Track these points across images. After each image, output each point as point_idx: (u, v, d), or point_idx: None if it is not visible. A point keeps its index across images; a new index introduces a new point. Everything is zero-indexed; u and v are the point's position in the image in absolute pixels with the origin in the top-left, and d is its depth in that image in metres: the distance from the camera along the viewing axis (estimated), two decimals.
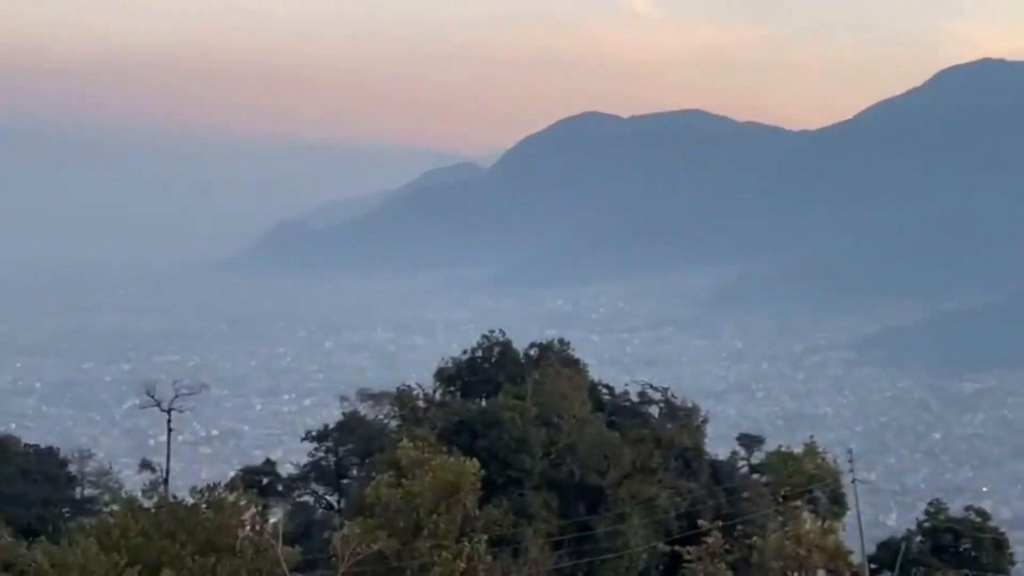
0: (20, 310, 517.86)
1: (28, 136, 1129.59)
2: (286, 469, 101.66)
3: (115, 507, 47.87)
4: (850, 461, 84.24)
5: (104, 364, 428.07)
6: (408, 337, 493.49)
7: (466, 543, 50.68)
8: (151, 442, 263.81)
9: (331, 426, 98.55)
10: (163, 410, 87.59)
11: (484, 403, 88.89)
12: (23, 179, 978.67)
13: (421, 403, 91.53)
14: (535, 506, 78.22)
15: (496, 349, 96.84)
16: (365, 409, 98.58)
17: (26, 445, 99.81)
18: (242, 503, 44.74)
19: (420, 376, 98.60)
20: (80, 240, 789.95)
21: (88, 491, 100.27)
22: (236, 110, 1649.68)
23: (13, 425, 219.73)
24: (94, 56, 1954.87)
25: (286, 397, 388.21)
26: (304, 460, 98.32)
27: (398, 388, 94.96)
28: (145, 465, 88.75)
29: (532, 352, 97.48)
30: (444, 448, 63.17)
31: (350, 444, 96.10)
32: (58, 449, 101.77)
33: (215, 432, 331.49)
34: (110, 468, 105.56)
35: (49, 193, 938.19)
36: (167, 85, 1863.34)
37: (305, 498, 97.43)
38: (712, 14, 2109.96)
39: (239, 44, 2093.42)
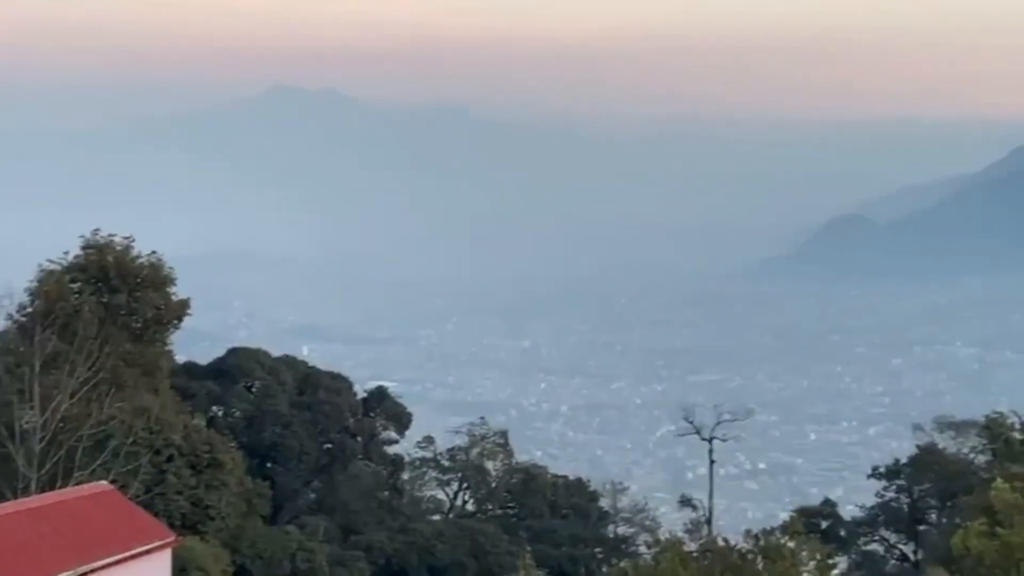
0: (545, 326, 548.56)
1: (528, 134, 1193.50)
2: (848, 511, 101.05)
3: (656, 550, 49.30)
4: None
5: (635, 385, 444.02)
6: (996, 353, 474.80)
7: None
8: (689, 475, 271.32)
9: (903, 461, 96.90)
10: (703, 438, 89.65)
11: None
12: (540, 184, 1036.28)
13: (1017, 434, 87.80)
14: None
15: None
16: (945, 440, 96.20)
17: (553, 476, 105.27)
18: (803, 552, 44.78)
19: (1013, 400, 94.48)
20: (604, 246, 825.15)
21: (622, 529, 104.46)
22: (782, 91, 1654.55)
23: (539, 452, 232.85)
24: (619, 42, 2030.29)
25: (845, 425, 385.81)
26: (871, 501, 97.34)
27: (987, 416, 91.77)
28: (685, 501, 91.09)
29: None
30: None
31: (927, 483, 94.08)
32: (588, 480, 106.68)
33: (762, 465, 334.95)
34: (645, 504, 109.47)
35: (569, 197, 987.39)
36: (703, 67, 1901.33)
37: (872, 546, 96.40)
38: None
39: (781, 19, 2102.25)
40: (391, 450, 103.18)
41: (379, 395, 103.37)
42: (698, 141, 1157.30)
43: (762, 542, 46.30)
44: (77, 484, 51.93)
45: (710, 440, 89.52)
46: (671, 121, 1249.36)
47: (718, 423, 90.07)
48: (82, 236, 75.91)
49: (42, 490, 54.31)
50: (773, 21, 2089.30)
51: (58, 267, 72.81)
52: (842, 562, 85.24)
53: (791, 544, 46.22)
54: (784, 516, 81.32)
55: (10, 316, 69.82)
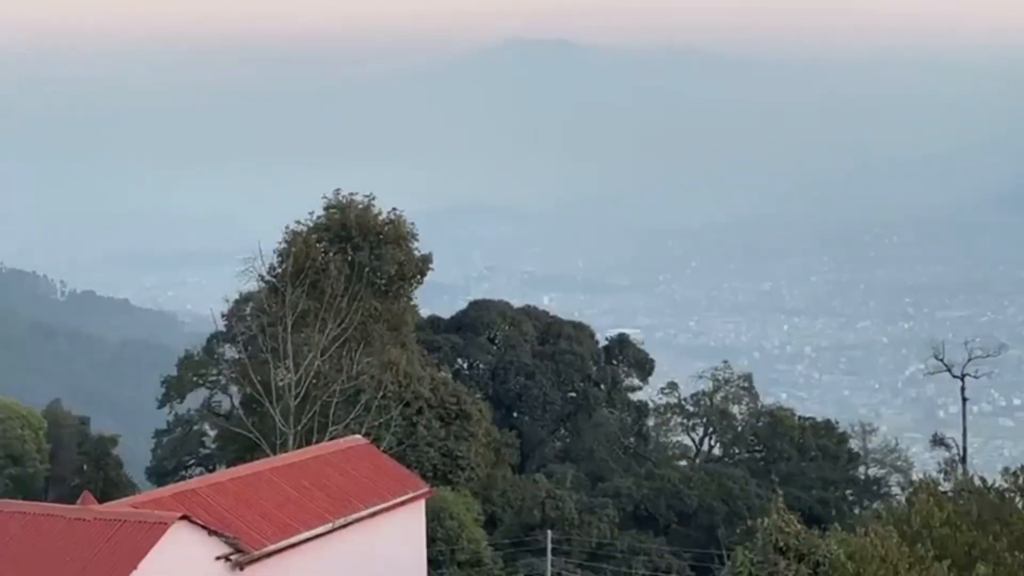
0: (786, 267, 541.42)
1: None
2: None
3: (909, 491, 48.35)
4: None
5: (880, 323, 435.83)
6: None
7: None
8: (940, 413, 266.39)
9: None
10: (954, 376, 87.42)
11: None
12: (774, 121, 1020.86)
13: None
14: None
15: None
16: None
17: (800, 418, 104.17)
18: None
19: None
20: (844, 183, 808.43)
21: (872, 471, 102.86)
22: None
23: (784, 395, 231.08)
24: None
25: None
26: None
27: None
28: (937, 441, 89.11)
29: None
30: None
31: None
32: (836, 422, 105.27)
33: (1017, 401, 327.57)
34: (896, 444, 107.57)
35: (808, 134, 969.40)
36: None
37: None
38: None
39: None
40: (635, 397, 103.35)
41: (621, 342, 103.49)
42: (949, 66, 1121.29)
43: (1021, 480, 44.94)
44: (332, 438, 53.57)
45: (962, 377, 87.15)
46: (912, 50, 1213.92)
47: (969, 360, 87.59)
48: (324, 196, 77.95)
49: (299, 445, 56.20)
50: None
51: (304, 228, 74.91)
52: None
53: None
54: None
55: (261, 277, 72.16)
